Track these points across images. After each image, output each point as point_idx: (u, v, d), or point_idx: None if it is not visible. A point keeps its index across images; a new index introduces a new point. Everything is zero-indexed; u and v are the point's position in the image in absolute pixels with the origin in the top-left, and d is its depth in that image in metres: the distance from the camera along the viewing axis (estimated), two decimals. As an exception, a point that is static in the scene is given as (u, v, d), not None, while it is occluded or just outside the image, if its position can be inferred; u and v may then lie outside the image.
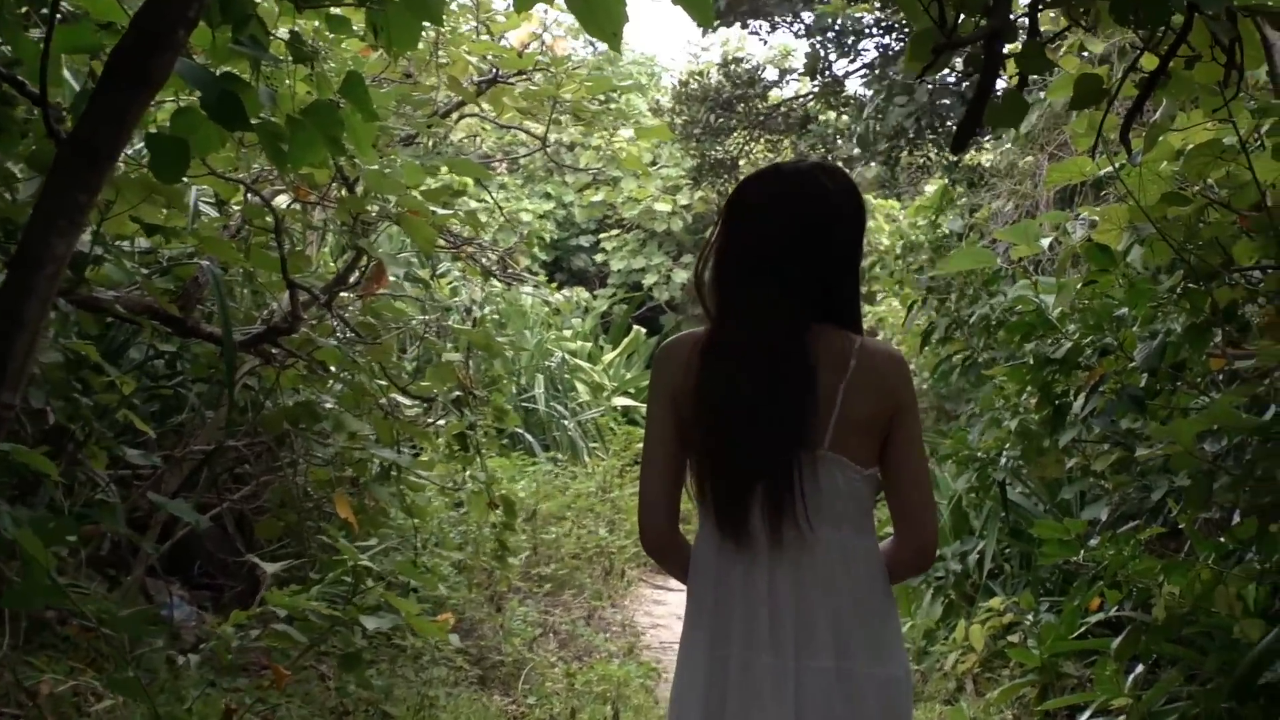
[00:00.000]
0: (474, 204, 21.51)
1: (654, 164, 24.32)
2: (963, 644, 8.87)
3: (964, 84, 15.44)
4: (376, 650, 7.42)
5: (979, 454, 8.54)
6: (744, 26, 17.89)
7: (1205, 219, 5.74)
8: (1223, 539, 6.31)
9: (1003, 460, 8.27)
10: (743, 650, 3.37)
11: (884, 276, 11.52)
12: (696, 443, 3.44)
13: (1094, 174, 6.11)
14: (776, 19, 17.66)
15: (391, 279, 7.27)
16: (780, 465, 3.35)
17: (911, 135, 16.10)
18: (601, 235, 24.48)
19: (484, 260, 8.21)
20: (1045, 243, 6.68)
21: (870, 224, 23.07)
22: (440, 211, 6.59)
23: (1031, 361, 6.45)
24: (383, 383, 7.55)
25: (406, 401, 7.76)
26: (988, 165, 10.47)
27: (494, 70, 7.72)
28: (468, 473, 8.65)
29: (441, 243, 7.59)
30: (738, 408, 3.36)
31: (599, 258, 24.55)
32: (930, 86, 15.37)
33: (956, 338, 10.61)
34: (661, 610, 12.00)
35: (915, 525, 3.44)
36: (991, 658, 8.79)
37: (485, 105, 7.85)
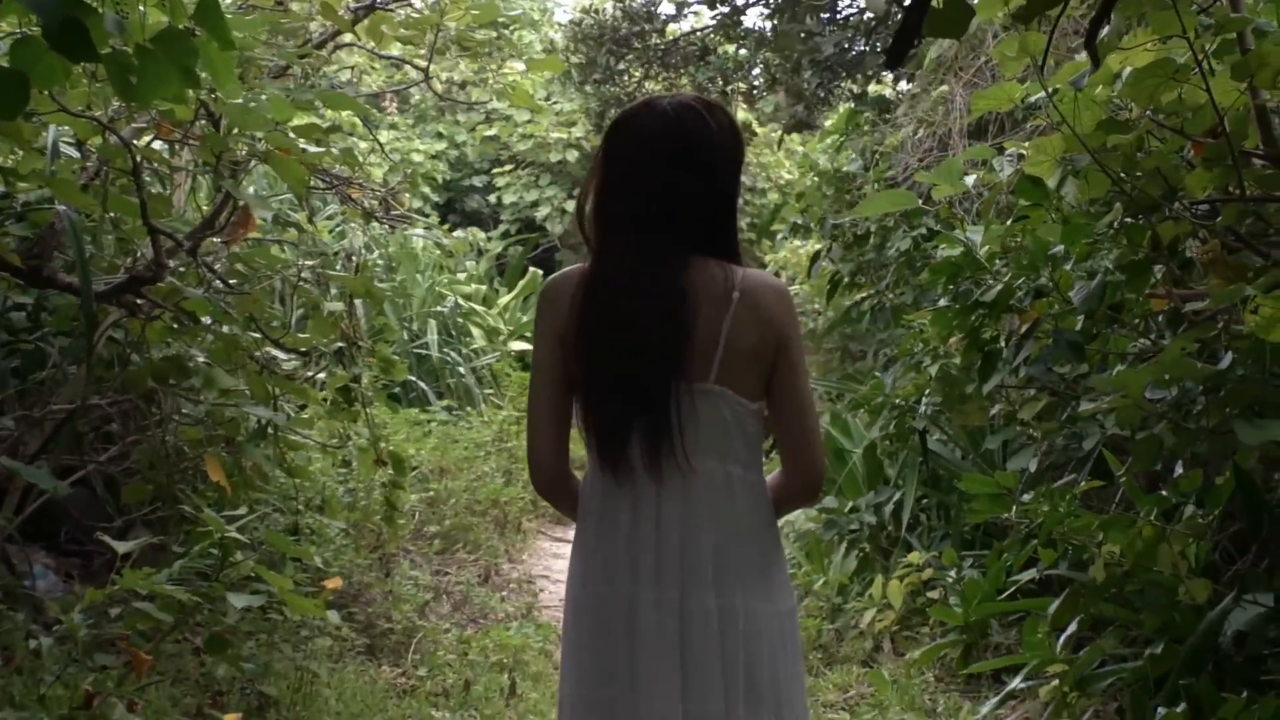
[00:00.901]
0: (363, 145, 21.13)
1: (548, 99, 23.79)
2: (880, 601, 8.44)
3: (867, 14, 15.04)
4: (255, 622, 6.86)
5: (896, 400, 8.06)
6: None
7: (1147, 148, 5.29)
8: (1164, 492, 5.91)
9: (922, 407, 7.80)
10: (629, 586, 3.42)
11: (789, 212, 10.99)
12: (580, 377, 3.46)
13: (1023, 100, 5.60)
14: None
15: (260, 223, 6.68)
16: (660, 399, 3.39)
17: (820, 65, 15.68)
18: (495, 172, 23.83)
19: (366, 202, 7.60)
20: (969, 180, 6.20)
21: (770, 158, 22.86)
22: (312, 149, 6.01)
23: (958, 305, 5.97)
24: (258, 335, 6.99)
25: (283, 355, 7.19)
26: (895, 97, 9.93)
27: (371, -5, 7.14)
28: (354, 428, 8.11)
29: (318, 183, 7.03)
30: (617, 342, 3.41)
31: (493, 198, 23.97)
32: (830, 15, 14.96)
33: (863, 282, 10.14)
34: (560, 565, 11.47)
35: (802, 456, 3.53)
36: (910, 615, 8.37)
37: (364, 36, 7.23)
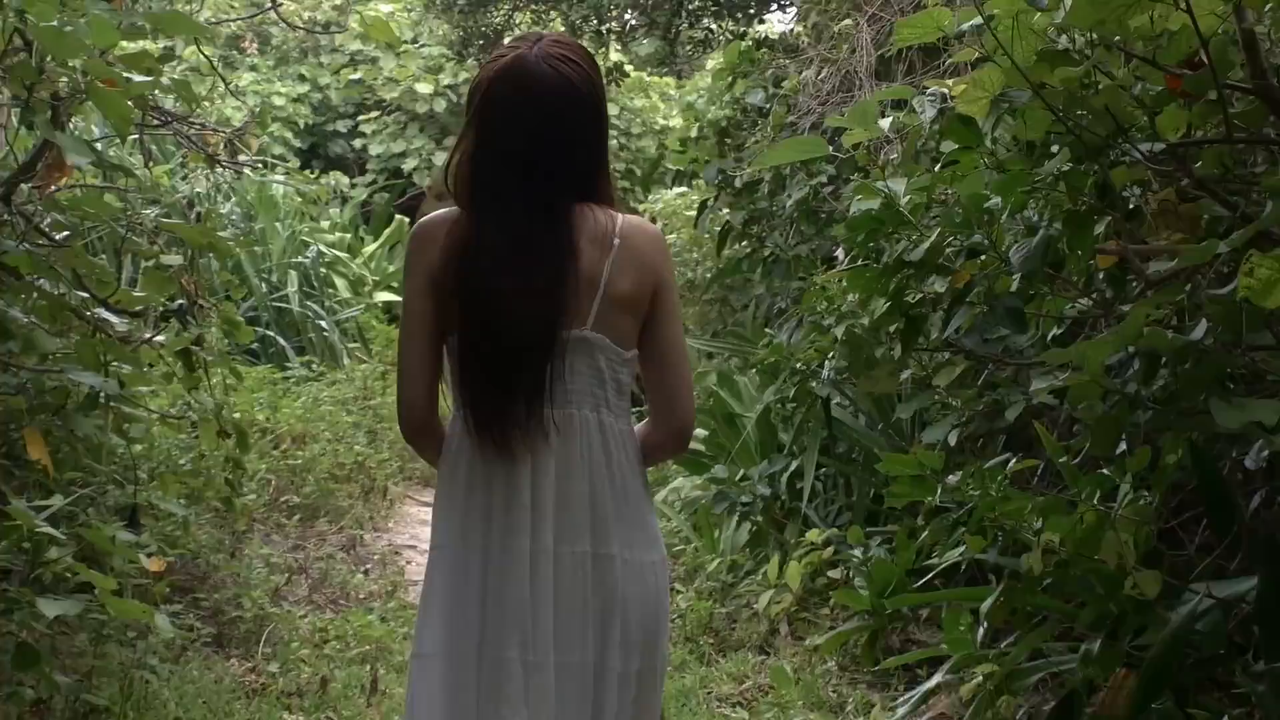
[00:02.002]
0: (215, 85, 20.24)
1: (414, 41, 22.98)
2: (776, 582, 7.77)
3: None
4: (82, 618, 6.07)
5: (797, 364, 7.37)
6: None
7: (1094, 83, 4.63)
8: (1106, 472, 5.26)
9: (825, 372, 7.11)
10: (502, 536, 3.42)
11: (675, 161, 10.17)
12: (456, 324, 3.45)
13: (953, 30, 4.91)
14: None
15: (82, 170, 5.88)
16: (544, 346, 3.41)
17: (693, 6, 15.02)
18: (360, 119, 22.98)
19: (212, 143, 6.78)
20: (885, 123, 5.51)
21: (643, 103, 22.16)
22: (137, 79, 5.20)
23: (879, 264, 5.29)
24: (85, 294, 6.22)
25: (116, 318, 6.40)
26: (793, 33, 9.21)
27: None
28: (198, 395, 7.31)
29: (153, 122, 6.22)
30: (503, 291, 3.39)
31: (358, 143, 23.10)
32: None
33: (755, 232, 9.44)
34: (427, 533, 10.74)
35: (673, 405, 3.58)
36: (809, 596, 7.72)
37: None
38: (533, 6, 16.62)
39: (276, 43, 23.64)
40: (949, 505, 5.54)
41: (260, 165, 11.24)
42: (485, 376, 3.44)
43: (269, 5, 6.42)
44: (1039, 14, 4.64)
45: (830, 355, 7.07)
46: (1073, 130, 4.55)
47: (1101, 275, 5.09)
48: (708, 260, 13.92)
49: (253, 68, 22.36)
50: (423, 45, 22.85)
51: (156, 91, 6.01)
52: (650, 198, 17.37)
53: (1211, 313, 4.27)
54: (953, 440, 6.28)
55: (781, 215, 9.02)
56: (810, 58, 8.39)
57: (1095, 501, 5.03)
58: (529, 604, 3.39)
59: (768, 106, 9.20)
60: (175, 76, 5.90)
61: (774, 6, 14.92)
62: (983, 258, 4.98)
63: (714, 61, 20.39)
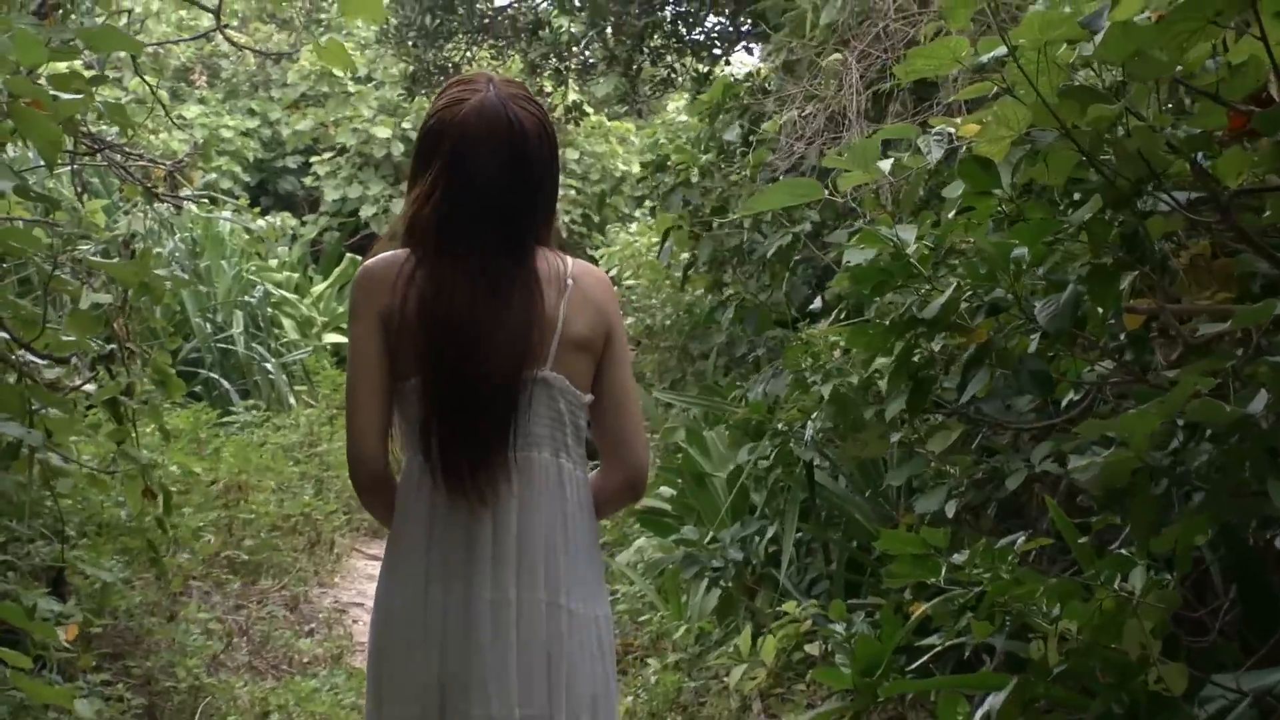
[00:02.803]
0: (167, 120, 19.74)
1: (369, 79, 22.54)
2: (749, 656, 7.26)
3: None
4: (-2, 689, 5.54)
5: (779, 424, 6.88)
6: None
7: (1121, 124, 4.20)
8: (1128, 553, 4.79)
9: (808, 433, 6.63)
10: (464, 588, 3.34)
11: (623, 202, 9.63)
12: (414, 368, 3.40)
13: (971, 61, 4.45)
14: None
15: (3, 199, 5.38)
16: (509, 388, 3.38)
17: (655, 43, 14.68)
18: (313, 159, 22.49)
19: (153, 176, 6.27)
20: (885, 165, 5.05)
21: (602, 148, 21.76)
22: (65, 97, 4.69)
23: (882, 319, 4.82)
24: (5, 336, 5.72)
25: (41, 361, 5.90)
26: (759, 73, 8.70)
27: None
28: (125, 448, 6.78)
29: (85, 149, 5.71)
30: (472, 331, 3.35)
31: (309, 180, 22.60)
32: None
33: (729, 278, 8.93)
34: (374, 589, 10.24)
35: (627, 452, 3.57)
36: (784, 671, 7.21)
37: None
38: (490, 42, 16.25)
39: (226, 75, 23.19)
40: (951, 586, 5.05)
41: (205, 200, 10.74)
42: (452, 420, 3.37)
43: (215, 27, 5.91)
44: (1063, 47, 4.24)
45: (814, 415, 6.61)
46: (1106, 175, 4.11)
47: (1123, 336, 4.67)
48: (667, 306, 13.45)
49: (201, 100, 21.93)
50: (378, 84, 22.42)
51: (89, 116, 5.50)
52: (606, 239, 16.94)
53: (1268, 382, 3.83)
54: (950, 511, 5.84)
55: (754, 257, 8.53)
56: (793, 95, 7.90)
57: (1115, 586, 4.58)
58: (492, 657, 3.33)
59: (741, 146, 8.74)
60: (111, 100, 5.36)
61: (740, 46, 14.57)
62: (1002, 315, 4.52)
63: (676, 102, 20.08)
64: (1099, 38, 3.95)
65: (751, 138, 8.73)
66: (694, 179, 8.94)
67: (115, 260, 5.89)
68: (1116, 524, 5.18)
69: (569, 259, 3.56)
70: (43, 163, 6.45)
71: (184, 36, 17.84)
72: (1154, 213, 4.22)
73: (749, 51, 13.87)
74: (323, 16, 23.27)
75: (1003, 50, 4.26)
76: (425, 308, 3.37)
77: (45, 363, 6.02)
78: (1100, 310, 4.52)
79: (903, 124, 5.58)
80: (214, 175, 20.27)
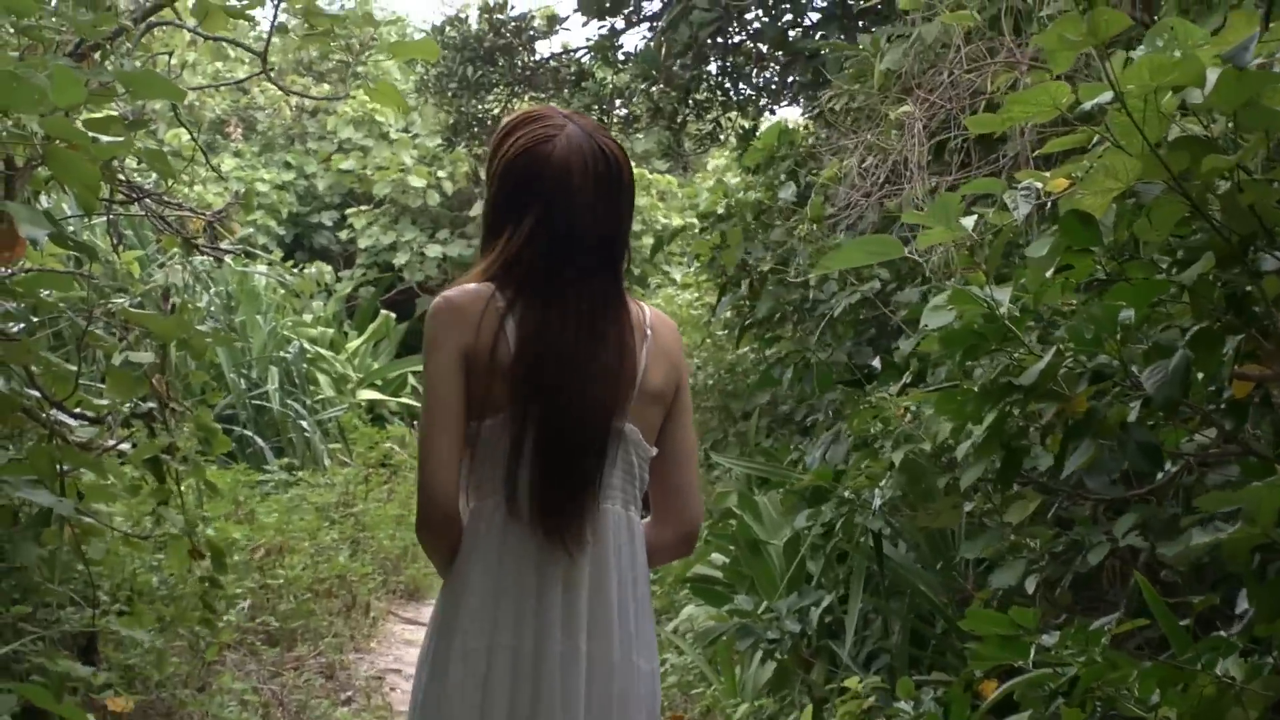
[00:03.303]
0: (203, 173, 19.55)
1: (407, 130, 22.34)
2: (808, 736, 6.91)
3: (759, 42, 13.82)
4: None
5: (845, 492, 6.54)
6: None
7: (1234, 178, 3.91)
8: (1231, 637, 4.46)
9: (875, 502, 6.30)
10: (536, 637, 3.25)
11: (698, 248, 9.23)
12: (498, 407, 3.29)
13: (1069, 105, 4.15)
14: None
15: (33, 245, 5.08)
16: (601, 437, 3.32)
17: (700, 97, 14.55)
18: (348, 211, 22.30)
19: (191, 227, 5.98)
20: (969, 223, 4.73)
21: (644, 201, 21.49)
22: (104, 140, 4.40)
23: (970, 385, 4.51)
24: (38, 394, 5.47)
25: (73, 421, 5.62)
26: (805, 127, 8.35)
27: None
28: (167, 510, 6.50)
29: (122, 198, 5.42)
30: (567, 371, 3.28)
31: (344, 234, 22.40)
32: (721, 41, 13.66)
33: (785, 334, 8.58)
34: (411, 655, 9.89)
35: (684, 505, 3.52)
36: (844, 751, 6.85)
37: (187, 15, 5.63)
38: (531, 94, 16.06)
39: (262, 128, 23.00)
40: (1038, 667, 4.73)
41: (243, 254, 10.53)
42: (547, 462, 3.28)
43: (261, 71, 5.63)
44: (1169, 94, 3.94)
45: (882, 483, 6.29)
46: (1219, 231, 3.82)
47: (1222, 403, 4.36)
48: (709, 364, 13.17)
49: (236, 154, 21.78)
50: (416, 135, 22.22)
51: (127, 162, 5.22)
52: (646, 292, 16.68)
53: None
54: (1030, 586, 5.52)
55: (815, 314, 8.20)
56: (851, 145, 7.58)
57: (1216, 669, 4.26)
58: (562, 709, 3.25)
59: (797, 199, 8.41)
60: (150, 146, 5.08)
61: (785, 100, 14.33)
62: (1109, 381, 4.21)
63: (716, 160, 19.83)
64: (1210, 85, 3.65)
65: (808, 186, 8.41)
66: (752, 231, 8.64)
67: (153, 314, 5.57)
68: (1216, 605, 4.89)
69: (645, 306, 3.52)
70: (79, 212, 6.19)
71: (225, 82, 17.66)
72: (1267, 273, 3.92)
73: (797, 103, 13.59)
74: (360, 69, 23.11)
75: (1107, 96, 3.96)
76: (525, 346, 3.28)
77: (78, 423, 5.75)
78: (1200, 376, 4.21)
79: (987, 179, 5.25)
80: (249, 229, 20.11)
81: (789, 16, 12.94)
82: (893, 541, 7.42)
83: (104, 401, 5.67)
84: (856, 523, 6.61)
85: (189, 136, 6.64)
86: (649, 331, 3.44)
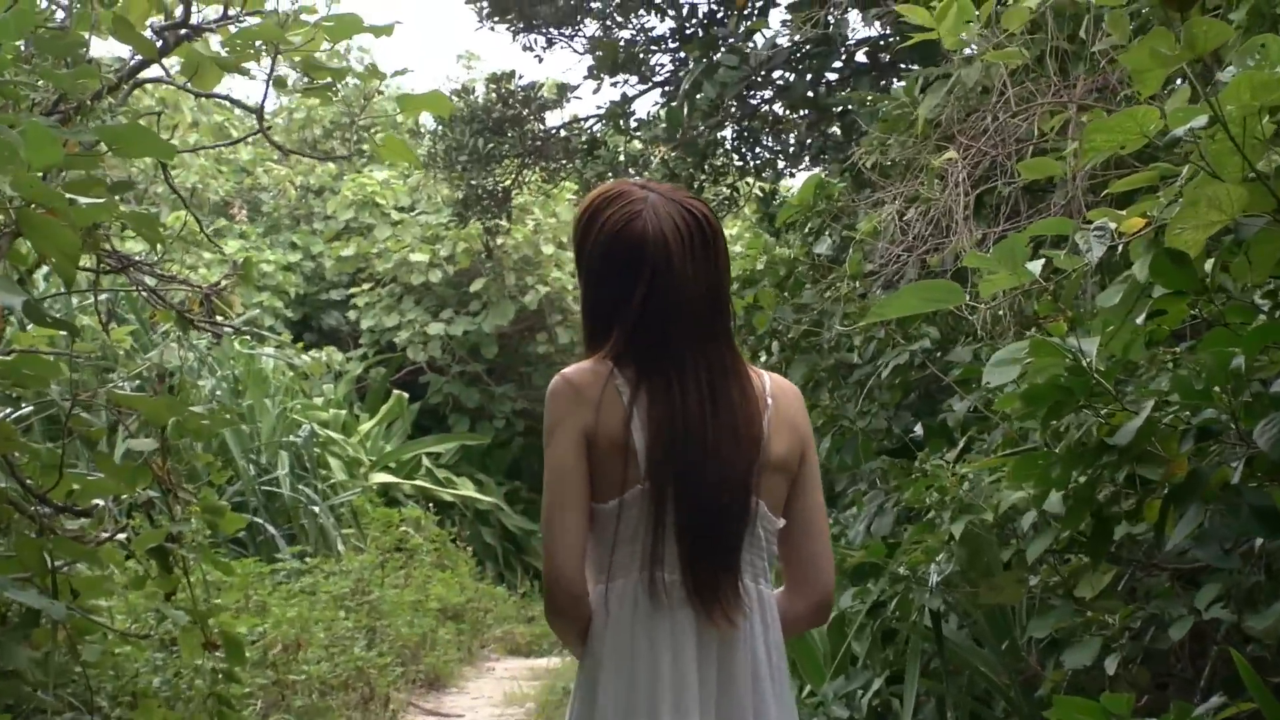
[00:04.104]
0: (207, 255, 19.20)
1: (412, 209, 22.03)
2: (865, 834, 6.44)
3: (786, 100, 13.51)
4: None
5: (900, 569, 6.08)
6: (521, 40, 15.62)
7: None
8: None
9: (933, 577, 5.84)
10: (672, 713, 3.21)
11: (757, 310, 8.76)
12: (621, 487, 3.25)
13: (1161, 133, 3.72)
14: (553, 33, 15.58)
15: (8, 318, 4.67)
16: (739, 507, 3.28)
17: (717, 163, 14.24)
18: (352, 290, 21.96)
19: (187, 299, 5.54)
20: (1036, 267, 4.27)
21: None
22: (84, 201, 3.97)
23: (1057, 447, 4.06)
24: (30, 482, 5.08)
25: (59, 511, 5.20)
26: (869, 166, 7.89)
27: (185, 9, 5.10)
28: (167, 606, 6.07)
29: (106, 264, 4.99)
30: (698, 445, 3.25)
31: (352, 315, 22.06)
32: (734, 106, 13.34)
33: (826, 402, 8.11)
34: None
35: (817, 574, 3.46)
36: None
37: (178, 71, 5.20)
38: (542, 164, 15.73)
39: (267, 209, 22.70)
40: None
41: (246, 335, 10.14)
42: (686, 542, 3.25)
43: (258, 130, 5.20)
44: (1265, 118, 3.53)
45: (938, 557, 5.84)
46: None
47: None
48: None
49: (241, 235, 21.46)
50: (420, 213, 21.91)
51: (112, 229, 4.79)
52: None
53: None
54: (1112, 667, 5.07)
55: (851, 380, 7.73)
56: (890, 197, 7.14)
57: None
58: None
59: (834, 255, 7.96)
60: (139, 210, 4.65)
61: (805, 163, 13.99)
62: (1216, 439, 3.77)
63: (730, 229, 19.47)
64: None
65: (843, 243, 7.96)
66: (784, 294, 8.19)
67: (143, 395, 5.12)
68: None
69: (765, 375, 3.47)
70: (65, 288, 5.77)
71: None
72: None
73: (818, 164, 13.23)
74: (364, 147, 22.83)
75: (1202, 120, 3.54)
76: (656, 425, 3.24)
77: (64, 516, 5.34)
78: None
79: (1056, 219, 4.81)
80: (256, 311, 19.81)
81: (811, 75, 12.66)
82: (945, 618, 6.95)
83: (98, 500, 5.24)
84: (912, 600, 6.15)
85: (192, 217, 6.21)
86: (770, 400, 3.38)
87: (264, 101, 5.10)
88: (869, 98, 9.32)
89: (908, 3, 5.70)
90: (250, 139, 5.93)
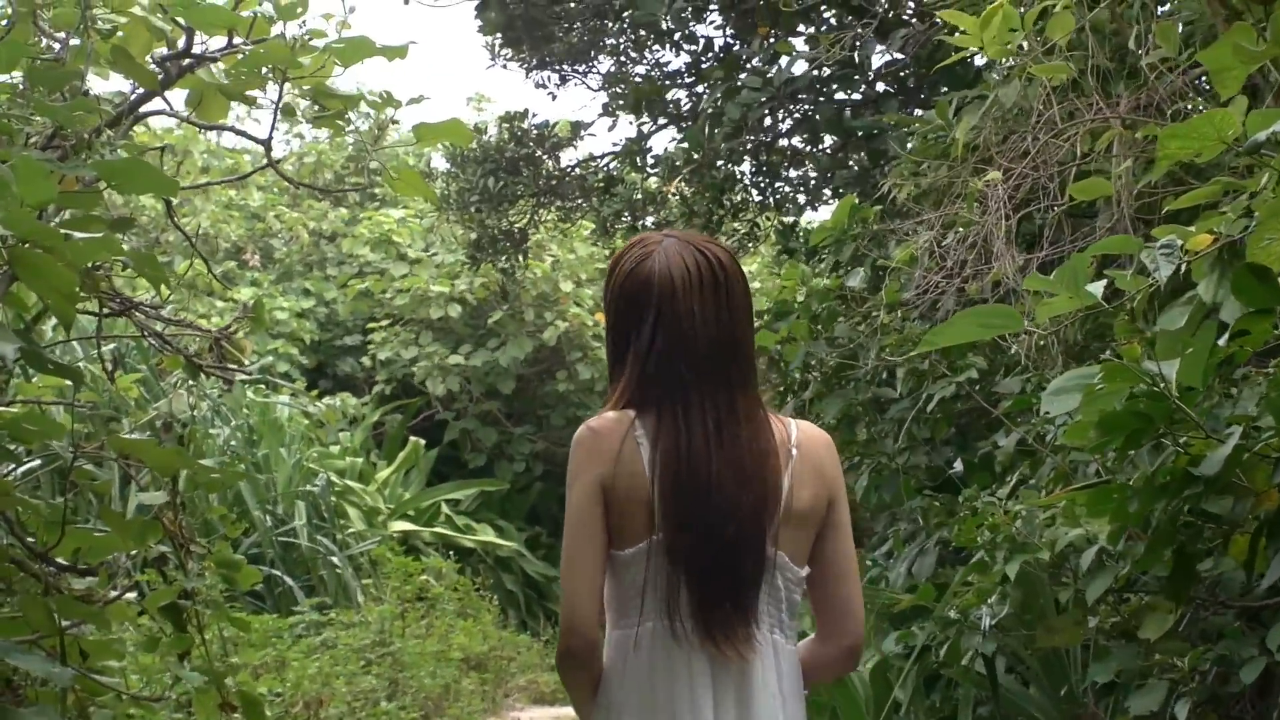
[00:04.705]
0: (219, 304, 18.97)
1: (427, 250, 21.81)
2: None
3: (794, 138, 13.28)
4: None
5: (951, 612, 5.78)
6: (534, 77, 15.43)
7: None
8: None
9: (985, 620, 5.56)
10: None
11: (760, 336, 8.37)
12: (643, 533, 3.30)
13: (1240, 139, 3.44)
14: (567, 70, 15.35)
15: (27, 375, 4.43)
16: (752, 546, 3.30)
17: (736, 199, 14.02)
18: (370, 325, 21.71)
19: (196, 345, 5.27)
20: (1097, 288, 4.00)
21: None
22: (79, 237, 3.70)
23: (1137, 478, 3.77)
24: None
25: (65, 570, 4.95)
26: (904, 194, 7.58)
27: (188, 39, 4.84)
28: (180, 667, 5.80)
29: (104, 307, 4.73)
30: (710, 488, 3.28)
31: (367, 360, 21.81)
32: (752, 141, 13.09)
33: (862, 438, 7.80)
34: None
35: (846, 621, 3.45)
36: None
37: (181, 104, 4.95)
38: (557, 204, 15.51)
39: (279, 255, 22.47)
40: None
41: (260, 382, 9.91)
42: (698, 586, 3.28)
43: (268, 163, 4.94)
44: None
45: (990, 600, 5.55)
46: None
47: None
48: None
49: (254, 282, 21.23)
50: (435, 253, 21.70)
51: (114, 272, 4.54)
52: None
53: None
54: (1182, 713, 4.78)
55: (888, 416, 7.43)
56: (928, 223, 6.86)
57: None
58: None
59: (868, 286, 7.65)
60: (139, 251, 4.37)
61: (827, 196, 13.74)
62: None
63: (749, 266, 19.22)
64: None
65: (877, 273, 7.65)
66: (817, 328, 7.88)
67: (148, 441, 4.83)
68: None
69: (791, 423, 3.47)
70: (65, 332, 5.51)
71: (240, 224, 17.18)
72: None
73: (840, 197, 12.99)
74: (377, 190, 22.67)
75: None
76: (664, 468, 3.27)
77: (71, 573, 5.07)
78: None
79: (1122, 237, 4.53)
80: (270, 358, 19.58)
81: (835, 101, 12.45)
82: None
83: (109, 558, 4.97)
84: (959, 646, 5.86)
85: (203, 266, 5.93)
86: (795, 450, 3.38)
87: (272, 130, 4.81)
88: (897, 121, 9.08)
89: (948, 7, 5.47)
90: (258, 171, 5.65)
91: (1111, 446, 3.76)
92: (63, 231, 3.70)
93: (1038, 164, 6.45)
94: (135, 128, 5.28)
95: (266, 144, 4.89)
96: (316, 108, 4.87)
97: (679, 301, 3.35)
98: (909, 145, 7.87)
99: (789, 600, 3.40)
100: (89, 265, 4.26)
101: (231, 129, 5.23)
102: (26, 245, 3.62)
